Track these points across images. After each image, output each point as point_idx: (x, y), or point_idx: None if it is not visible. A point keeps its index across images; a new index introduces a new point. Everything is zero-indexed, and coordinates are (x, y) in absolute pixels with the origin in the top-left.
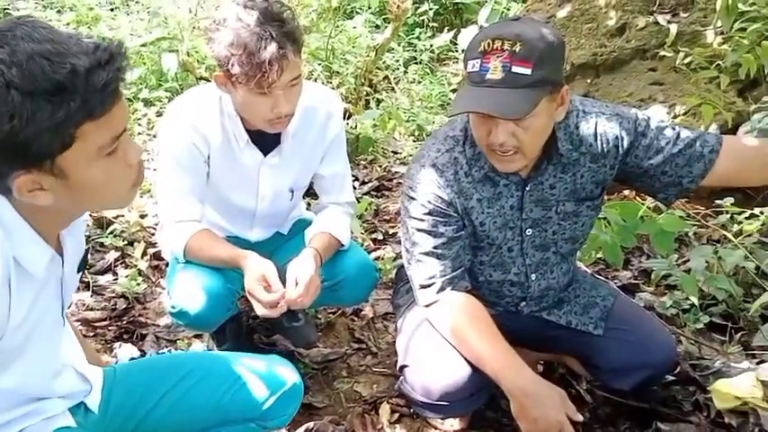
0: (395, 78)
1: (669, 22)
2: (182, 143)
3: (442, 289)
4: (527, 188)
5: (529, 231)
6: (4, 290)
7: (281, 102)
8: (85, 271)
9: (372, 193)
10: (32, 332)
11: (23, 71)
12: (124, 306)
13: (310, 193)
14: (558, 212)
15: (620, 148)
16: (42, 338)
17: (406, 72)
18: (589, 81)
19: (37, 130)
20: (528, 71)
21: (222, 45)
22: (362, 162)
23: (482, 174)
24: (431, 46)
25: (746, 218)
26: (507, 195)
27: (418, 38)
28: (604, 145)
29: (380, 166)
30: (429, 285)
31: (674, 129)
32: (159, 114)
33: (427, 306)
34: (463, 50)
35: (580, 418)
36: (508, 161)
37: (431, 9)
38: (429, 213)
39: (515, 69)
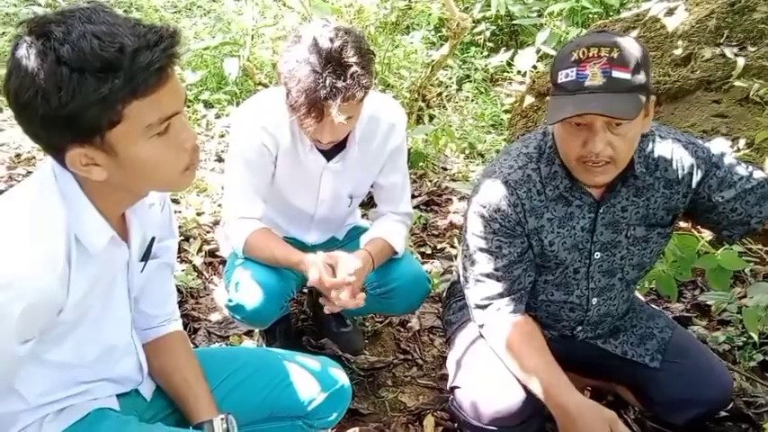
0: (447, 96)
1: (736, 55)
2: (252, 143)
3: (498, 310)
4: (600, 210)
5: (597, 255)
6: (64, 265)
7: (324, 133)
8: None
9: (422, 207)
10: (91, 310)
11: (74, 48)
12: (178, 299)
13: (367, 203)
14: (628, 237)
15: (694, 176)
16: (108, 318)
17: (459, 90)
18: None
19: (83, 104)
20: (628, 76)
21: (286, 67)
22: (413, 176)
23: (557, 193)
24: (486, 65)
25: None
26: (579, 216)
27: (473, 57)
28: (679, 171)
29: (431, 181)
30: (485, 306)
31: (747, 167)
32: (218, 116)
33: (481, 326)
34: (519, 72)
35: None
36: (600, 173)
37: (488, 29)
38: (494, 232)
39: (615, 74)
